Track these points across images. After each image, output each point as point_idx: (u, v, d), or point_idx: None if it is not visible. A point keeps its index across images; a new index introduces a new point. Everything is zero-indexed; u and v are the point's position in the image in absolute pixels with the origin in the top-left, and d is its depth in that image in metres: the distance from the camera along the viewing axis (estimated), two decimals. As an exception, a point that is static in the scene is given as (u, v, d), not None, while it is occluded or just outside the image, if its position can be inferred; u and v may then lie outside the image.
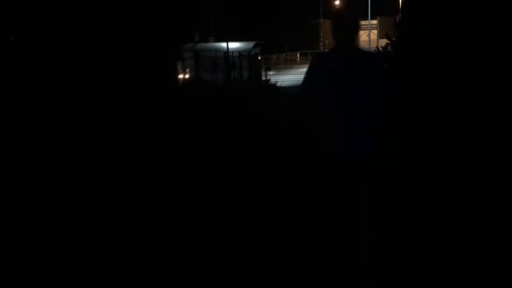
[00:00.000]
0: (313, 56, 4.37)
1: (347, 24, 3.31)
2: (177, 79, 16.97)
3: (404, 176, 3.94)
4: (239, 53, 23.04)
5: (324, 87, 3.17)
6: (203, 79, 19.34)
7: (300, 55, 43.02)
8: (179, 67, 21.85)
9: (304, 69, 3.51)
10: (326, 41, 49.00)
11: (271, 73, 27.95)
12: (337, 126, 3.11)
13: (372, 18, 46.53)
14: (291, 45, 42.18)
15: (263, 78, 22.86)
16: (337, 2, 51.35)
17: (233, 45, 24.83)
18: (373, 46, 45.29)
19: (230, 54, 23.71)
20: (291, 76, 25.26)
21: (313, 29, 48.73)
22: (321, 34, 48.73)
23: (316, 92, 3.20)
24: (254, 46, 24.25)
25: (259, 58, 23.79)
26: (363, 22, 49.26)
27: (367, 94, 3.13)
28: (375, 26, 47.59)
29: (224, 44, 24.42)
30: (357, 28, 3.48)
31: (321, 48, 47.89)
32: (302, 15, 47.05)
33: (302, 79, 3.37)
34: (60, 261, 4.15)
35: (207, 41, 27.15)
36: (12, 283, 3.89)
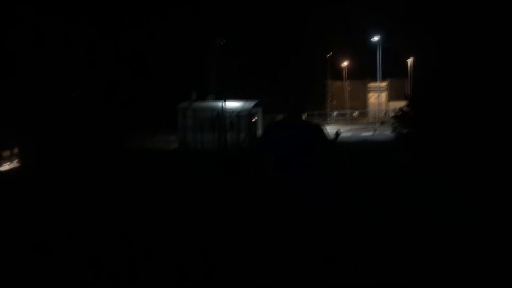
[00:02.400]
0: (267, 124, 6.52)
1: (297, 109, 4.81)
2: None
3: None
4: (238, 113, 21.17)
5: (272, 144, 4.74)
6: (187, 144, 17.58)
7: (307, 116, 41.33)
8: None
9: None
10: (334, 101, 47.40)
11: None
12: (280, 165, 4.67)
13: (381, 80, 45.03)
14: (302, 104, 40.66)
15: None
16: (345, 64, 50.22)
17: (233, 104, 23.03)
18: (383, 108, 43.69)
19: (229, 114, 21.86)
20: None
21: (321, 90, 47.28)
22: (329, 95, 47.19)
23: (267, 148, 4.79)
24: (256, 106, 22.40)
25: (255, 119, 21.89)
26: (371, 85, 47.88)
27: (303, 146, 4.66)
28: (384, 88, 46.01)
29: (222, 103, 22.62)
30: (304, 110, 4.98)
31: (329, 108, 46.23)
32: (310, 75, 45.83)
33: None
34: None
35: (205, 99, 25.37)
36: None
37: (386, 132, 29.38)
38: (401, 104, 47.31)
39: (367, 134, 28.60)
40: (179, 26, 31.40)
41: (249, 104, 22.33)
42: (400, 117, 14.13)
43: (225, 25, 31.54)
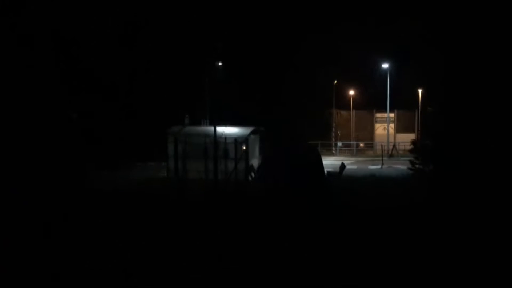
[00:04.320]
0: (263, 155, 5.89)
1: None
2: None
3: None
4: (234, 140, 19.02)
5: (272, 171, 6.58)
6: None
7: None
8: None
9: None
10: (339, 132, 45.21)
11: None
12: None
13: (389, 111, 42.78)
14: (301, 134, 38.18)
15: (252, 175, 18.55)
16: (351, 93, 48.24)
17: (228, 130, 20.88)
18: (391, 140, 41.45)
19: (223, 140, 19.70)
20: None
21: (325, 119, 45.14)
22: (334, 125, 44.99)
23: (268, 174, 6.76)
24: (252, 133, 20.26)
25: (243, 147, 19.67)
26: (378, 115, 45.80)
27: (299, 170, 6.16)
28: (392, 119, 43.79)
29: (218, 129, 20.45)
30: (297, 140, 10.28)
31: (333, 139, 44.06)
32: (314, 104, 43.90)
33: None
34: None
35: (200, 124, 23.26)
36: None
37: (396, 166, 27.33)
38: (409, 136, 45.45)
39: (374, 167, 26.34)
40: (174, 47, 29.65)
41: (245, 131, 20.21)
42: (420, 152, 12.00)
43: (224, 49, 29.75)
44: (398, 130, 44.68)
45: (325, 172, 19.48)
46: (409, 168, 13.36)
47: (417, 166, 12.22)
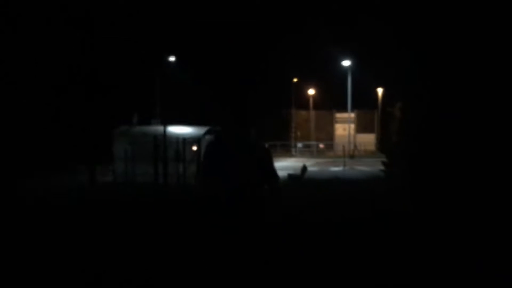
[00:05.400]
0: (207, 143, 4.61)
1: (238, 122, 4.40)
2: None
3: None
4: (184, 140, 17.36)
5: (216, 164, 4.22)
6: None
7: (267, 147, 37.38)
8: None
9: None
10: (298, 132, 43.97)
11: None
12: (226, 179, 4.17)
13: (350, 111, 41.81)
14: (257, 134, 36.53)
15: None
16: (311, 92, 47.21)
17: (180, 130, 19.20)
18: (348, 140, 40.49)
19: (175, 141, 18.04)
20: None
21: (283, 119, 43.78)
22: (293, 125, 43.71)
23: (211, 168, 4.21)
24: (207, 133, 18.61)
25: (194, 148, 18.03)
26: (338, 115, 44.87)
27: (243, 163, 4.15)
28: (352, 119, 42.77)
29: (169, 129, 18.74)
30: (248, 124, 4.43)
31: (293, 140, 42.79)
32: (272, 104, 42.50)
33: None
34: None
35: (149, 124, 21.42)
36: None
37: (358, 167, 26.25)
38: (370, 137, 44.58)
39: (336, 169, 25.15)
40: (126, 41, 27.64)
41: (199, 131, 18.54)
42: (392, 153, 10.67)
43: (179, 43, 28.00)
44: (358, 130, 43.86)
45: (287, 174, 18.19)
46: (381, 170, 12.05)
47: (388, 167, 10.95)
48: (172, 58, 27.68)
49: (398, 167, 9.59)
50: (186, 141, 17.25)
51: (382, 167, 12.05)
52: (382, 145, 13.15)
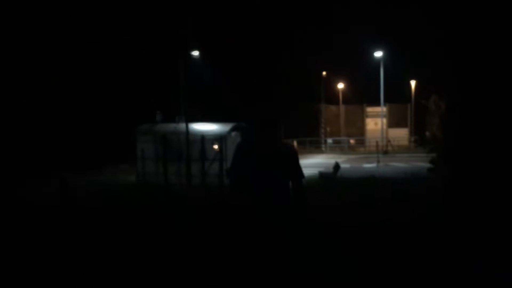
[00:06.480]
0: (237, 145, 4.35)
1: (266, 126, 4.17)
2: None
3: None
4: (210, 138, 16.40)
5: (245, 165, 4.12)
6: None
7: (297, 144, 36.17)
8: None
9: (301, 161, 4.18)
10: (328, 128, 42.61)
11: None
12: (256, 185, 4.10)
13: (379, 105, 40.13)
14: (287, 131, 35.33)
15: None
16: (340, 86, 45.78)
17: (204, 127, 18.24)
18: (376, 134, 38.85)
19: (200, 138, 17.10)
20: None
21: (312, 115, 42.46)
22: (322, 120, 42.36)
23: (241, 170, 4.14)
24: (232, 130, 17.60)
25: (215, 147, 17.02)
26: (369, 109, 43.29)
27: (276, 169, 4.06)
28: (384, 113, 41.09)
29: (195, 126, 17.87)
30: (275, 127, 4.19)
31: (323, 136, 41.49)
32: (301, 99, 41.30)
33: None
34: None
35: (174, 122, 20.52)
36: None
37: (393, 164, 24.88)
38: (402, 131, 42.82)
39: (370, 166, 23.86)
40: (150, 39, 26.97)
41: (223, 128, 17.54)
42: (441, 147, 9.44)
43: (205, 39, 27.11)
44: (390, 125, 42.20)
45: (318, 172, 17.05)
46: (429, 169, 10.79)
47: (437, 166, 9.73)
48: (195, 53, 26.74)
49: (450, 165, 8.38)
50: (208, 138, 16.32)
51: (419, 163, 10.90)
52: (424, 140, 11.89)
